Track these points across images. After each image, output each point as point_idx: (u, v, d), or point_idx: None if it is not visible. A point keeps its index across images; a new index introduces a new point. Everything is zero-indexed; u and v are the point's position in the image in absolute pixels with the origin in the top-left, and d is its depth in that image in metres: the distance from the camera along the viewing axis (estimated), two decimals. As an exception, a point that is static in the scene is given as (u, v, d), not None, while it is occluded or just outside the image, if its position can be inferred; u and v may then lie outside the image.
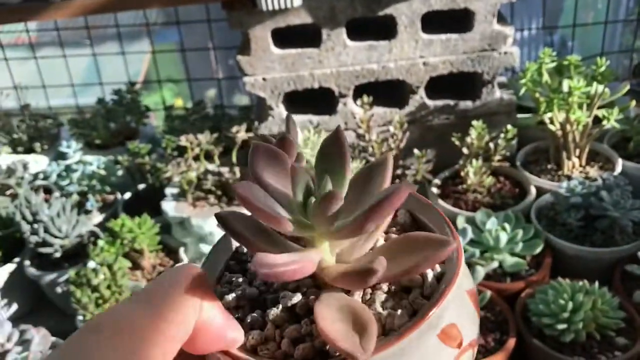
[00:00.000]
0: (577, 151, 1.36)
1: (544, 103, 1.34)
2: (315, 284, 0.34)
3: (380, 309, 0.31)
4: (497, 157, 1.31)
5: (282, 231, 0.32)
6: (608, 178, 1.20)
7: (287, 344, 0.31)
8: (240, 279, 0.36)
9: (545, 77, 1.33)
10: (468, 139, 1.30)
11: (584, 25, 1.88)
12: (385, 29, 1.34)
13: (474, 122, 1.29)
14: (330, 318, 0.29)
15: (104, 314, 0.28)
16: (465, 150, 1.31)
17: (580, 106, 1.30)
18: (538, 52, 2.35)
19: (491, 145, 1.31)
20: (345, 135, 0.33)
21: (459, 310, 0.31)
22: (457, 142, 1.31)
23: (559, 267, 1.18)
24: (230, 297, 0.34)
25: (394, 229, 0.37)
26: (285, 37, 1.37)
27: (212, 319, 0.30)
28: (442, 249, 0.30)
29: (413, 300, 0.31)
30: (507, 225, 1.14)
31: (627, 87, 1.45)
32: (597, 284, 1.05)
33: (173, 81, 2.43)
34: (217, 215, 0.33)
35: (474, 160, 1.30)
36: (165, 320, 0.28)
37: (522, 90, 1.32)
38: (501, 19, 1.34)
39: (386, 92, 1.41)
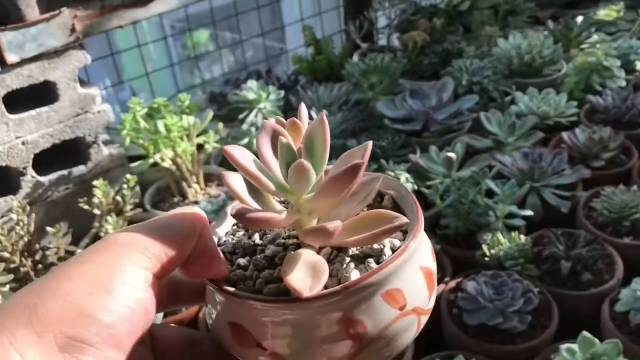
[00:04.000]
0: (194, 178, 1.52)
1: (151, 146, 1.45)
2: (298, 243, 0.40)
3: (339, 267, 0.37)
4: (129, 207, 1.37)
5: (265, 190, 0.38)
6: (219, 194, 1.38)
7: (260, 283, 0.37)
8: (242, 233, 0.43)
9: (143, 124, 1.44)
10: (95, 200, 1.32)
11: (155, 71, 2.06)
12: (-33, 121, 1.26)
13: (96, 182, 1.31)
14: (293, 265, 0.36)
15: (120, 231, 0.34)
16: (96, 211, 1.33)
17: (181, 139, 1.45)
18: (116, 110, 2.44)
19: (119, 198, 1.36)
20: (326, 120, 0.39)
21: (407, 279, 0.37)
22: (86, 207, 1.32)
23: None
24: (230, 244, 0.41)
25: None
26: None
27: (205, 251, 0.36)
28: (394, 223, 0.37)
29: (368, 265, 0.37)
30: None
31: (212, 114, 1.67)
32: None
33: None
34: (222, 174, 0.38)
35: (109, 218, 1.33)
36: (167, 245, 0.34)
37: (127, 141, 1.40)
38: (83, 82, 1.39)
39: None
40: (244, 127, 1.58)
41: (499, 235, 1.18)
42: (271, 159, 0.39)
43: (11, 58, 1.23)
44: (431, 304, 0.39)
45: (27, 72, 1.27)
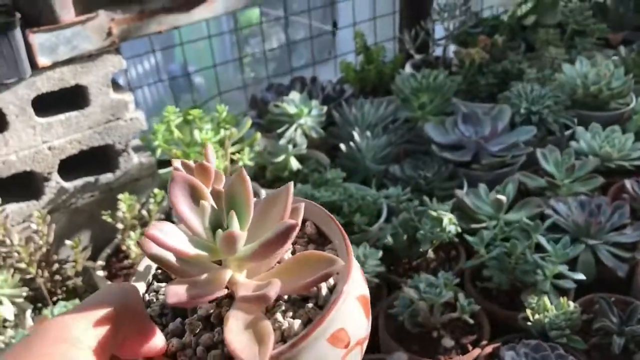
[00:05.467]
0: (225, 193, 1.44)
1: (182, 156, 1.38)
2: (230, 295, 0.38)
3: (280, 318, 0.37)
4: (154, 222, 1.31)
5: (193, 262, 0.37)
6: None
7: (201, 351, 0.36)
8: (164, 288, 0.40)
9: (177, 134, 1.37)
10: (120, 214, 1.26)
11: (193, 41, 1.97)
12: (-6, 122, 1.20)
13: (121, 196, 1.25)
14: (236, 330, 0.35)
15: (49, 321, 0.33)
16: (120, 225, 1.27)
17: (215, 157, 1.38)
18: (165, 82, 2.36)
19: (144, 212, 1.30)
20: (247, 175, 0.39)
21: (347, 315, 0.37)
22: (109, 220, 1.27)
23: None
24: (156, 305, 0.39)
25: (302, 240, 0.42)
26: None
27: (139, 329, 0.35)
28: (331, 267, 0.36)
29: (309, 310, 0.37)
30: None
31: (250, 122, 1.59)
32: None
33: None
34: (146, 234, 0.36)
35: (131, 233, 1.27)
36: (100, 331, 0.33)
37: (159, 153, 1.34)
38: (117, 87, 1.33)
39: (18, 184, 1.27)
40: (282, 142, 1.50)
41: (546, 300, 1.07)
42: (194, 220, 0.38)
43: (43, 61, 1.17)
44: (369, 327, 0.39)
45: (59, 75, 1.21)
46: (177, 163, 0.41)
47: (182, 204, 0.38)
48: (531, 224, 1.19)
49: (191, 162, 0.41)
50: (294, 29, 2.55)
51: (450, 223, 1.24)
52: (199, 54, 2.15)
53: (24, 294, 1.19)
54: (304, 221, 0.42)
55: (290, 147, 1.49)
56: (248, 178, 0.39)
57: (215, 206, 0.38)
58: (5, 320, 1.18)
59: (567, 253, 1.12)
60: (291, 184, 0.40)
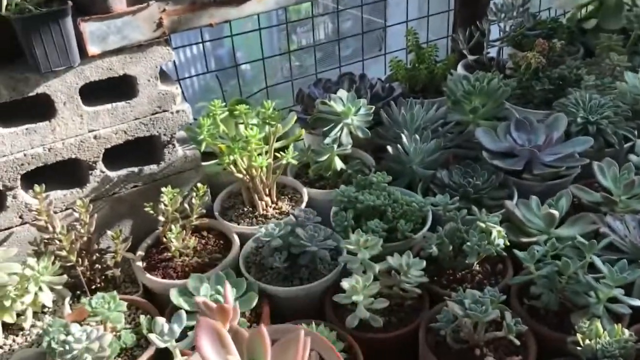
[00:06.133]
0: (267, 190, 1.42)
1: (226, 151, 1.35)
2: None
3: None
4: (195, 216, 1.29)
5: None
6: (299, 215, 1.27)
7: None
8: None
9: (222, 128, 1.35)
10: (162, 206, 1.25)
11: (242, 33, 1.95)
12: (42, 109, 1.20)
13: (164, 189, 1.24)
14: None
15: None
16: (161, 218, 1.26)
17: (259, 151, 1.35)
18: (211, 66, 2.34)
19: (186, 205, 1.28)
20: (266, 333, 0.45)
21: None
22: (151, 212, 1.26)
23: (276, 311, 1.21)
24: None
25: None
26: None
27: None
28: None
29: None
30: (220, 297, 1.13)
31: (295, 117, 1.56)
32: (313, 324, 1.10)
33: None
34: None
35: (172, 227, 1.25)
36: None
37: (203, 146, 1.32)
38: (165, 79, 1.31)
39: (62, 172, 1.27)
40: (327, 140, 1.46)
41: (598, 325, 1.02)
42: None
43: (93, 49, 1.16)
44: None
45: (107, 64, 1.20)
46: (199, 299, 0.48)
47: (209, 354, 0.43)
48: (586, 243, 1.13)
49: (212, 303, 0.47)
50: (342, 17, 2.50)
51: (499, 236, 1.20)
52: (248, 39, 2.13)
53: (64, 281, 1.19)
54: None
55: (335, 146, 1.46)
56: (267, 335, 0.45)
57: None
58: (44, 306, 1.19)
59: (625, 277, 1.06)
60: (302, 332, 0.46)
